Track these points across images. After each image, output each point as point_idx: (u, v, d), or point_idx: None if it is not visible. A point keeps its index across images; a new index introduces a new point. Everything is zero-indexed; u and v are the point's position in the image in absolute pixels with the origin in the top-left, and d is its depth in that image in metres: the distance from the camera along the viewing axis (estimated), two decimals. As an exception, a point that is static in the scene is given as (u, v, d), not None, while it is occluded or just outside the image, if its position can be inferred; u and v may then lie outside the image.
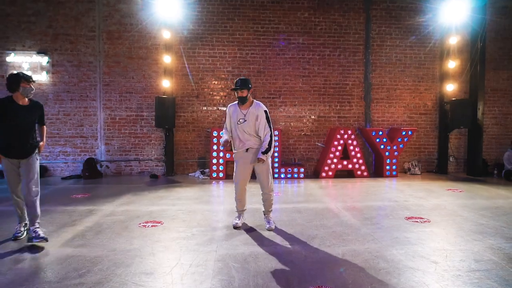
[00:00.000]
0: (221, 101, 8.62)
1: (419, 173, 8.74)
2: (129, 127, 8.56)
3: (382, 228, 4.29)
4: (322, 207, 5.37)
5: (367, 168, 8.32)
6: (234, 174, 4.32)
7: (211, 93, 8.64)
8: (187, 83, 8.58)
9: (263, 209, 4.43)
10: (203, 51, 8.54)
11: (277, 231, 4.18)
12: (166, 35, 8.17)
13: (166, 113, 7.91)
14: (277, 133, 8.07)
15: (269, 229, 4.19)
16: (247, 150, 4.19)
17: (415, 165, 8.80)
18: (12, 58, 8.26)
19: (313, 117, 8.82)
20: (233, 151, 4.34)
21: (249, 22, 8.57)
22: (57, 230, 4.23)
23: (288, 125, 8.78)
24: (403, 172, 8.88)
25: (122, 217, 4.80)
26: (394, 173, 8.32)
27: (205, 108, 8.61)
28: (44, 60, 8.32)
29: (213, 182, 7.78)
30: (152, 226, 4.40)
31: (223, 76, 8.62)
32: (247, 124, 4.15)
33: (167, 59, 8.21)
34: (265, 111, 4.20)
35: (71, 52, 8.41)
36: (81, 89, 8.47)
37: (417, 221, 4.59)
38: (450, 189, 6.78)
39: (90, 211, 5.16)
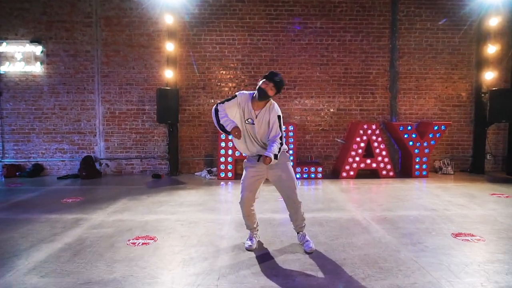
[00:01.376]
0: (229, 92, 7.80)
1: (452, 172, 7.76)
2: (129, 122, 7.85)
3: (426, 250, 3.43)
4: (347, 218, 4.53)
5: (393, 168, 7.40)
6: (241, 182, 3.46)
7: (219, 84, 7.82)
8: (193, 73, 7.78)
9: (293, 227, 3.59)
10: (210, 38, 7.71)
11: (296, 253, 3.37)
12: (168, 20, 7.36)
13: (168, 106, 7.14)
14: (292, 128, 7.22)
15: (310, 251, 3.35)
16: (258, 159, 3.32)
17: (448, 164, 7.82)
18: (4, 47, 7.62)
19: (332, 110, 7.91)
20: (247, 160, 3.48)
21: (261, 4, 7.68)
22: (30, 248, 3.53)
23: (304, 119, 7.90)
24: (433, 171, 7.92)
25: (111, 230, 4.07)
26: (424, 173, 7.37)
27: (212, 100, 7.81)
28: (38, 49, 7.65)
29: (221, 183, 7.02)
30: (143, 243, 3.65)
31: (231, 65, 7.78)
32: (252, 128, 3.29)
33: (169, 46, 7.41)
34: (279, 116, 3.29)
35: (67, 41, 7.70)
36: (78, 81, 7.78)
37: (468, 240, 3.70)
38: (495, 194, 5.82)
39: (77, 221, 4.46)
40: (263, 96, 3.21)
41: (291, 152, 7.23)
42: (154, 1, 7.36)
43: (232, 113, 3.28)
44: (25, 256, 3.31)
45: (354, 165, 7.31)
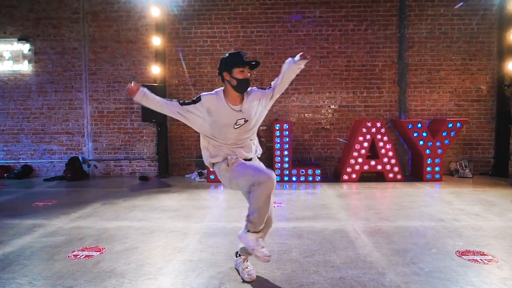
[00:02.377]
0: (222, 89, 7.27)
1: (471, 176, 6.89)
2: (118, 122, 7.48)
3: (421, 274, 2.75)
4: (334, 228, 3.88)
5: (401, 170, 6.63)
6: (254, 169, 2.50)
7: (211, 80, 7.32)
8: (182, 69, 7.31)
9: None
10: (200, 31, 7.23)
11: (257, 273, 2.76)
12: (155, 12, 6.94)
13: (154, 104, 6.69)
14: (286, 126, 6.60)
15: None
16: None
17: (465, 166, 6.95)
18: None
19: (333, 106, 7.23)
20: (213, 167, 2.77)
21: (255, -7, 7.13)
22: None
23: (303, 117, 7.26)
24: (449, 174, 7.07)
25: (61, 239, 3.62)
26: (437, 176, 6.56)
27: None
28: (25, 47, 7.43)
29: (211, 186, 6.50)
30: (85, 256, 3.17)
31: (224, 59, 7.25)
32: (246, 126, 2.57)
33: (156, 41, 6.99)
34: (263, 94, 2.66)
35: (54, 38, 7.44)
36: (65, 79, 7.49)
37: (477, 260, 2.98)
38: (518, 201, 4.99)
39: (33, 227, 4.05)
40: (247, 86, 2.54)
41: (285, 153, 6.62)
42: (141, -7, 6.97)
43: (196, 120, 2.57)
44: None
45: (357, 167, 6.60)
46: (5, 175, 7.47)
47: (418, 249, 3.25)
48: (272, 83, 2.73)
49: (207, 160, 2.74)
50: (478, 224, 3.97)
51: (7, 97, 7.56)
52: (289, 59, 2.64)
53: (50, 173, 7.63)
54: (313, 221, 4.18)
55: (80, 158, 7.41)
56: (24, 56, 7.47)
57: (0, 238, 3.71)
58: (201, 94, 2.61)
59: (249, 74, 2.54)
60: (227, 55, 2.60)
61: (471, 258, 3.01)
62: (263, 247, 2.45)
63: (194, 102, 2.56)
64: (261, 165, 2.69)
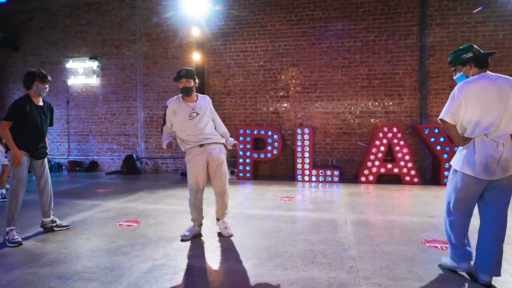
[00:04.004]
0: (252, 97, 8.18)
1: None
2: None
3: (378, 251, 3.33)
4: (327, 218, 4.52)
5: (418, 173, 6.91)
6: (188, 178, 3.79)
7: (243, 89, 8.26)
8: (218, 80, 8.37)
9: (216, 214, 3.95)
10: (234, 46, 8.23)
11: (246, 243, 3.58)
12: (195, 33, 8.09)
13: (193, 111, 7.81)
14: (308, 131, 7.28)
15: (228, 235, 3.78)
16: (201, 145, 3.68)
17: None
18: (71, 64, 9.20)
19: (354, 113, 7.73)
20: (184, 150, 3.83)
21: (282, 11, 7.94)
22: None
23: (325, 123, 7.86)
24: (472, 179, 7.12)
25: (112, 214, 4.77)
26: (455, 180, 6.71)
27: (236, 105, 8.28)
28: (95, 64, 9.07)
29: (240, 182, 7.40)
30: (127, 225, 4.24)
31: (254, 71, 8.16)
32: (199, 118, 3.66)
33: (196, 56, 8.14)
34: (211, 103, 3.87)
35: (116, 56, 8.98)
36: (124, 90, 8.99)
37: (437, 247, 3.45)
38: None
39: (92, 206, 5.29)
40: (187, 92, 3.68)
41: (306, 154, 7.28)
42: (186, 17, 8.16)
43: (175, 121, 3.69)
44: (36, 226, 4.14)
45: (374, 169, 7.03)
46: (77, 168, 9.16)
47: (390, 237, 3.78)
48: (219, 123, 3.90)
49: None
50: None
51: (80, 105, 9.26)
52: (229, 139, 3.88)
53: (111, 168, 9.15)
54: (312, 212, 4.85)
55: (134, 156, 8.81)
56: (94, 72, 9.12)
57: (69, 211, 4.97)
58: (167, 104, 3.82)
59: (187, 82, 3.65)
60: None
61: (432, 245, 3.48)
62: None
63: (164, 114, 3.81)
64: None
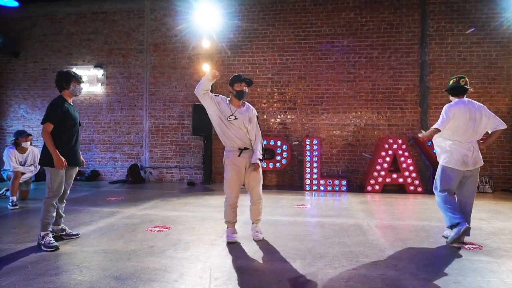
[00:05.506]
0: (260, 109, 8.37)
1: (491, 191, 7.33)
2: (171, 135, 8.78)
3: (413, 252, 3.51)
4: (351, 223, 4.69)
5: (421, 183, 7.24)
6: (225, 182, 3.86)
7: (251, 101, 8.44)
8: (227, 91, 8.50)
9: (252, 220, 4.06)
10: (243, 59, 8.45)
11: (285, 246, 3.69)
12: (205, 44, 8.27)
13: (202, 120, 7.90)
14: (316, 141, 7.51)
15: (258, 239, 3.88)
16: (239, 154, 3.80)
17: (486, 182, 7.41)
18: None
19: (359, 125, 8.05)
20: (231, 152, 3.88)
21: (290, 26, 8.26)
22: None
23: (331, 134, 8.13)
24: (470, 189, 7.52)
25: (137, 221, 4.75)
26: (456, 190, 7.08)
27: (244, 116, 8.44)
28: (99, 73, 9.05)
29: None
30: (158, 231, 4.25)
31: (262, 83, 8.39)
32: (236, 122, 3.76)
33: (205, 67, 8.28)
34: (257, 116, 3.93)
35: (123, 65, 9.00)
36: (130, 99, 8.98)
37: (464, 247, 3.68)
38: (527, 212, 5.47)
39: (113, 213, 5.24)
40: (241, 96, 3.76)
41: (315, 165, 7.49)
42: (195, 29, 8.34)
43: (210, 105, 3.70)
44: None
45: (380, 179, 7.30)
46: (77, 178, 8.98)
47: (418, 239, 3.99)
48: (254, 132, 3.84)
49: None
50: (480, 225, 4.60)
51: (82, 113, 9.16)
52: (255, 154, 3.80)
53: (113, 177, 9.03)
54: (334, 218, 5.02)
55: (139, 165, 8.75)
56: (98, 80, 9.09)
57: (90, 218, 4.91)
58: (220, 96, 3.87)
59: (245, 87, 3.75)
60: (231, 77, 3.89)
61: (461, 246, 3.71)
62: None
63: (216, 95, 3.84)
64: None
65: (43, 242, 3.52)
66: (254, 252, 3.50)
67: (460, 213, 3.81)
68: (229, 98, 3.85)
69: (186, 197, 6.70)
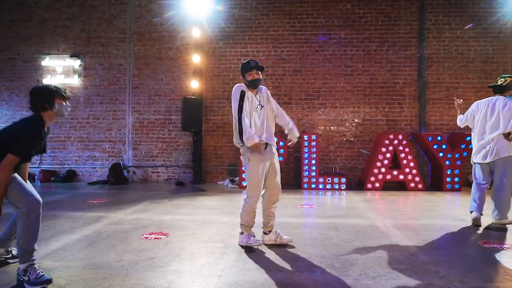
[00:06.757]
0: (253, 103, 7.89)
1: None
2: (157, 132, 8.14)
3: (448, 255, 3.18)
4: (366, 224, 4.33)
5: (422, 180, 7.03)
6: (252, 180, 3.35)
7: (243, 94, 7.95)
8: (218, 84, 8.00)
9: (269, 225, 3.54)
10: (235, 50, 7.94)
11: (306, 252, 3.26)
12: (195, 33, 7.70)
13: (193, 115, 7.36)
14: (314, 137, 7.13)
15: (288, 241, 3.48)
16: (266, 147, 3.36)
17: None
18: (47, 62, 8.28)
19: (357, 120, 7.75)
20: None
21: (285, 17, 7.84)
22: (50, 237, 3.68)
23: (328, 130, 7.79)
24: (468, 186, 7.40)
25: (127, 227, 4.17)
26: (456, 186, 6.93)
27: (236, 111, 7.93)
28: (76, 63, 8.25)
29: (243, 191, 6.98)
30: (155, 238, 3.70)
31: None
32: (264, 112, 3.39)
33: (196, 58, 7.72)
34: (269, 93, 3.62)
35: (103, 55, 8.26)
36: (111, 92, 8.25)
37: (496, 247, 3.39)
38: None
39: (97, 218, 4.62)
40: (256, 84, 3.42)
41: (313, 162, 7.12)
42: (183, 16, 7.74)
43: (249, 113, 3.34)
44: (44, 244, 3.46)
45: (380, 176, 7.03)
46: (51, 178, 8.16)
47: (443, 239, 3.68)
48: (280, 111, 3.60)
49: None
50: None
51: (57, 107, 8.32)
52: (294, 130, 3.56)
53: (92, 177, 8.28)
54: (345, 218, 4.64)
55: (121, 164, 8.05)
56: (75, 71, 8.29)
57: (72, 225, 4.28)
58: (240, 88, 3.39)
59: (257, 74, 3.39)
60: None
61: (492, 246, 3.43)
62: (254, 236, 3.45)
63: (241, 98, 3.34)
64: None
65: (26, 278, 2.49)
66: (274, 260, 3.05)
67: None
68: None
69: (177, 198, 6.13)
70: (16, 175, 2.64)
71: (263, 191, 3.46)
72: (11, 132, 2.61)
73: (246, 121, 3.24)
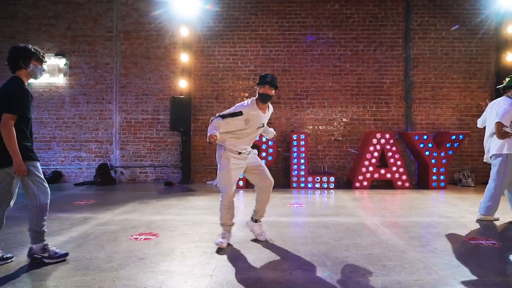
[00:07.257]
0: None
1: (473, 185, 7.41)
2: (144, 131, 8.05)
3: (436, 252, 3.25)
4: (355, 222, 4.38)
5: (409, 178, 7.16)
6: (222, 178, 3.40)
7: (232, 94, 7.95)
8: (206, 84, 7.96)
9: (256, 216, 3.68)
10: (223, 49, 7.91)
11: (297, 250, 3.28)
12: (184, 32, 7.64)
13: (181, 114, 7.30)
14: (303, 137, 7.17)
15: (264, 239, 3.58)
16: (240, 153, 3.44)
17: (468, 176, 7.49)
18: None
19: (345, 120, 7.83)
20: (231, 152, 3.40)
21: (274, 17, 7.86)
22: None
23: (317, 129, 7.85)
24: (453, 183, 7.59)
25: (116, 227, 4.11)
26: (442, 184, 7.08)
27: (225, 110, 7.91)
28: (61, 62, 8.08)
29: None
30: (145, 239, 3.66)
31: (244, 75, 7.91)
32: (260, 130, 3.54)
33: (184, 57, 7.66)
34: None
35: (89, 54, 8.11)
36: (97, 91, 8.12)
37: (482, 243, 3.48)
38: (518, 204, 5.48)
39: (85, 219, 4.54)
40: (268, 99, 3.38)
41: (302, 161, 7.15)
42: (171, 15, 7.68)
43: (231, 126, 3.29)
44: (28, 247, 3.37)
45: (368, 175, 7.12)
46: (36, 180, 7.95)
47: (431, 236, 3.75)
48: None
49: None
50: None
51: (41, 107, 8.14)
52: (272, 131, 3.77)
53: (78, 178, 8.12)
54: (335, 216, 4.69)
55: (108, 164, 7.93)
56: (60, 70, 8.12)
57: (60, 226, 4.19)
58: (241, 108, 3.30)
59: (270, 90, 3.32)
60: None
61: (477, 242, 3.51)
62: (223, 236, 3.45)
63: (235, 115, 3.27)
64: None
65: (47, 254, 2.93)
66: (265, 259, 3.05)
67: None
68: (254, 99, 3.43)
69: (166, 198, 6.07)
70: (38, 164, 3.09)
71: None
72: None
73: (219, 124, 3.24)
